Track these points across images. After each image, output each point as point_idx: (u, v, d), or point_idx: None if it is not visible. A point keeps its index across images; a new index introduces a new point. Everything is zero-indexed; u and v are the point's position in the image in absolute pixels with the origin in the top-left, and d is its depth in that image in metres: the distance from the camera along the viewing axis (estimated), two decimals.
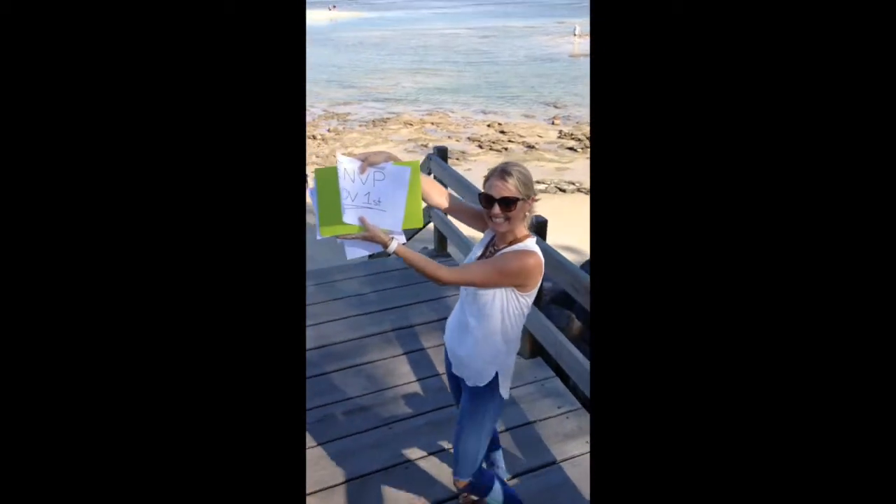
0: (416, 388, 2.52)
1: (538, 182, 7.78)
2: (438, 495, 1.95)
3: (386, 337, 2.90)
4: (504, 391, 1.56)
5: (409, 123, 11.54)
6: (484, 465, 1.69)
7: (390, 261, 3.61)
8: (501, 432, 2.20)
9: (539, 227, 2.42)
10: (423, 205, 1.41)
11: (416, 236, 4.02)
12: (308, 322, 3.02)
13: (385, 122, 11.69)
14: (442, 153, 3.62)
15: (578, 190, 7.73)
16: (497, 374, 1.52)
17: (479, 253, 1.52)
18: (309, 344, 2.82)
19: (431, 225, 3.90)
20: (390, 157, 1.34)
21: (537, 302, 2.33)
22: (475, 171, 8.23)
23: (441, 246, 3.95)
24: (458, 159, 9.04)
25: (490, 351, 1.49)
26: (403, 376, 2.59)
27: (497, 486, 1.68)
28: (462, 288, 1.51)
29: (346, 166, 1.32)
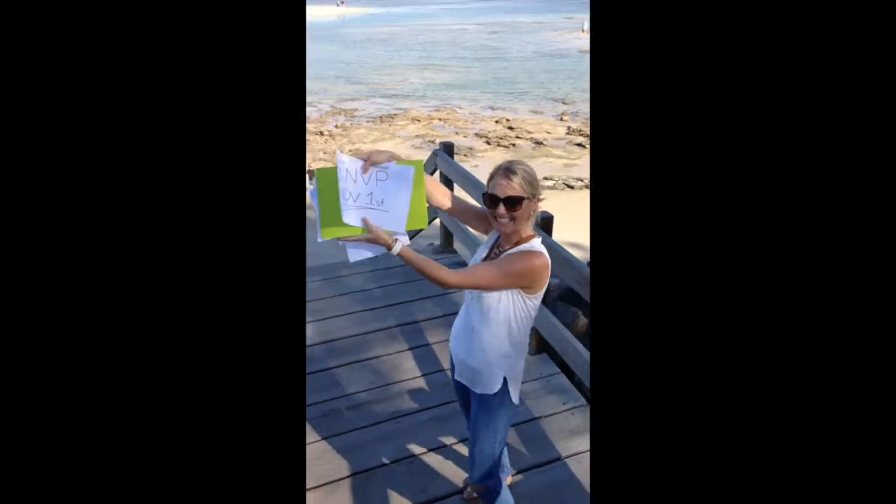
0: (420, 383, 2.52)
1: (546, 178, 7.75)
2: (443, 490, 1.95)
3: (391, 332, 2.90)
4: (514, 397, 1.51)
5: (416, 119, 11.53)
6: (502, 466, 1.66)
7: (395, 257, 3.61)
8: None
9: (545, 224, 2.41)
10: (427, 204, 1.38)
11: (423, 232, 4.01)
12: (313, 317, 3.03)
13: (392, 118, 11.69)
14: (448, 149, 3.61)
15: (586, 186, 7.69)
16: (506, 380, 1.47)
17: (483, 254, 1.48)
18: (314, 339, 2.84)
19: (437, 221, 3.90)
20: (393, 157, 1.30)
21: (544, 299, 2.32)
22: (483, 167, 8.21)
23: (447, 242, 3.94)
24: (465, 155, 9.02)
25: (497, 356, 1.45)
26: (408, 372, 2.59)
27: (506, 496, 1.64)
28: (467, 291, 1.47)
29: (348, 166, 1.27)
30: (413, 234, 1.38)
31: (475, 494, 1.90)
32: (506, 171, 1.33)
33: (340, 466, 2.04)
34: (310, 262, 3.62)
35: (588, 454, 2.10)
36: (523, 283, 1.35)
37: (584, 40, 23.55)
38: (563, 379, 2.55)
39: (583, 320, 3.02)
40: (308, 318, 3.02)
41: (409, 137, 10.29)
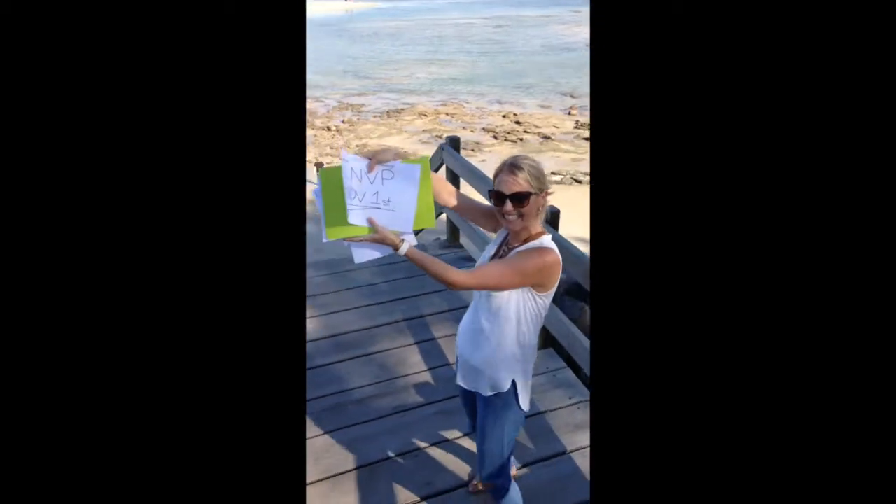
0: (426, 377, 2.53)
1: (554, 173, 7.71)
2: (448, 483, 1.96)
3: (397, 327, 2.91)
4: (524, 402, 1.45)
5: (423, 114, 11.51)
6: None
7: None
8: None
9: (552, 218, 2.40)
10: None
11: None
12: (320, 312, 3.05)
13: (399, 112, 11.68)
14: (454, 143, 3.60)
15: None
16: (514, 383, 1.42)
17: (491, 253, 1.43)
18: (320, 333, 2.85)
19: (443, 216, 3.90)
20: (399, 155, 1.27)
21: None
22: (490, 162, 8.19)
23: (453, 237, 3.94)
24: (472, 150, 8.99)
25: (505, 356, 1.40)
26: (414, 366, 2.60)
27: (515, 493, 1.61)
28: (475, 290, 1.42)
29: (353, 165, 1.24)
30: (418, 230, 1.35)
31: (480, 488, 1.91)
32: (511, 166, 1.29)
33: (346, 459, 2.05)
34: (316, 257, 3.64)
35: None
36: (534, 281, 1.31)
37: None
38: (569, 373, 2.55)
39: (589, 315, 3.01)
40: (315, 313, 3.04)
41: (416, 132, 10.28)
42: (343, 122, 10.97)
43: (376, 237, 1.25)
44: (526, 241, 1.35)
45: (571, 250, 2.16)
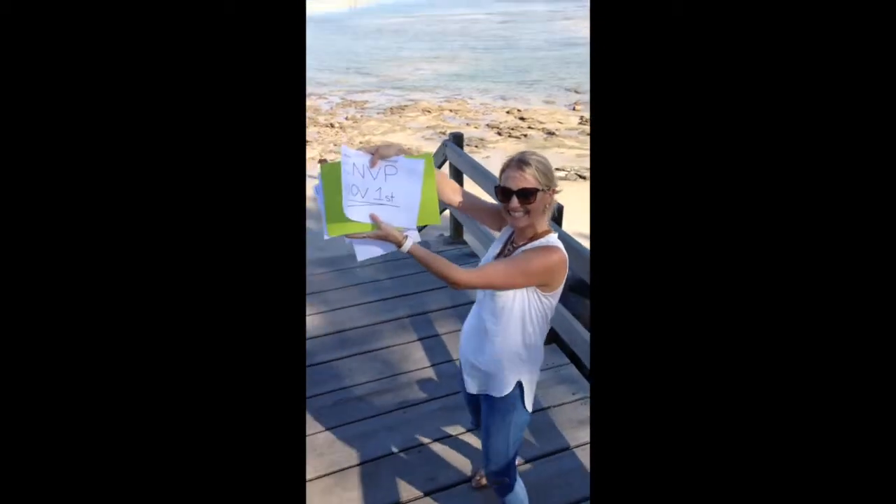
0: (430, 373, 2.53)
1: (558, 169, 7.68)
2: (451, 478, 1.96)
3: (401, 323, 2.91)
4: (528, 404, 1.43)
5: (427, 111, 11.49)
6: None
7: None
8: None
9: (556, 213, 2.39)
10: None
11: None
12: (324, 308, 3.06)
13: (403, 109, 11.66)
14: (458, 140, 3.59)
15: None
16: (519, 384, 1.40)
17: (496, 251, 1.40)
18: (324, 330, 2.86)
19: (447, 212, 3.89)
20: (402, 150, 1.25)
21: None
22: (494, 158, 8.17)
23: (457, 233, 3.94)
24: (476, 146, 8.97)
25: (510, 358, 1.37)
26: (418, 362, 2.61)
27: (520, 490, 1.59)
28: (479, 290, 1.40)
29: (356, 161, 1.22)
30: (422, 227, 1.34)
31: (483, 483, 1.92)
32: (518, 162, 1.26)
33: (350, 455, 2.06)
34: (320, 254, 3.65)
35: None
36: (540, 281, 1.28)
37: None
38: (573, 369, 2.54)
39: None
40: (319, 309, 3.05)
41: (420, 129, 10.26)
42: (346, 118, 10.97)
43: (379, 234, 1.23)
44: (532, 239, 1.32)
45: (575, 246, 2.15)
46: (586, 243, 2.29)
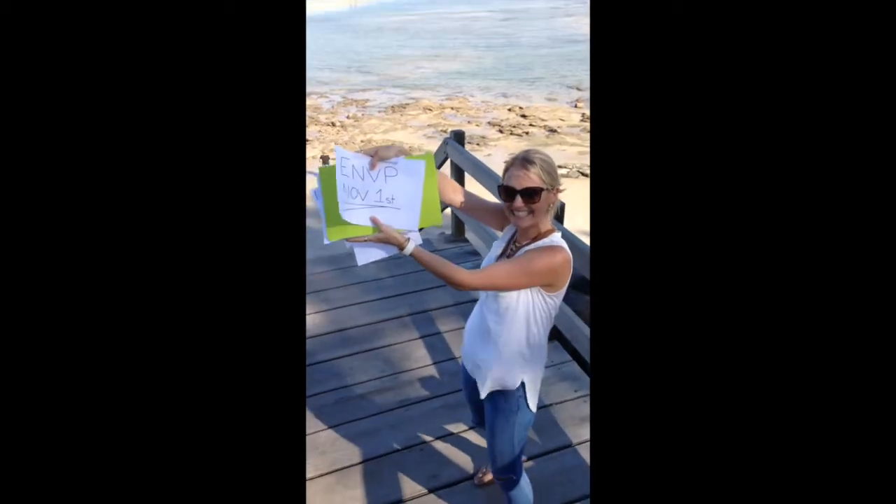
0: (431, 371, 2.54)
1: (560, 166, 7.67)
2: (454, 476, 1.96)
3: (402, 321, 2.91)
4: (532, 404, 1.41)
5: (428, 109, 11.49)
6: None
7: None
8: None
9: (558, 211, 2.39)
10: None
11: None
12: (325, 307, 3.06)
13: (404, 107, 11.66)
14: (459, 138, 3.58)
15: None
16: (522, 384, 1.38)
17: (498, 251, 1.39)
18: (326, 328, 2.86)
19: (448, 210, 3.89)
20: (402, 151, 1.22)
21: None
22: (495, 156, 8.17)
23: (458, 231, 3.93)
24: (478, 144, 8.97)
25: (514, 358, 1.35)
26: (419, 360, 2.61)
27: (525, 485, 1.58)
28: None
29: (355, 162, 1.19)
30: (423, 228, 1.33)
31: (486, 480, 1.92)
32: (523, 161, 1.24)
33: (352, 453, 2.07)
34: (321, 252, 3.65)
35: None
36: (544, 281, 1.26)
37: None
38: (575, 367, 2.54)
39: None
40: (320, 308, 3.05)
41: (421, 127, 10.25)
42: (348, 117, 10.97)
43: (381, 237, 1.21)
44: (535, 238, 1.30)
45: (577, 244, 2.15)
46: (587, 240, 2.29)
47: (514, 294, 1.29)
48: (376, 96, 12.86)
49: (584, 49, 18.01)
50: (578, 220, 3.54)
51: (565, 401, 2.32)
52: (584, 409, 2.28)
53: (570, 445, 2.09)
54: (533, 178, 1.22)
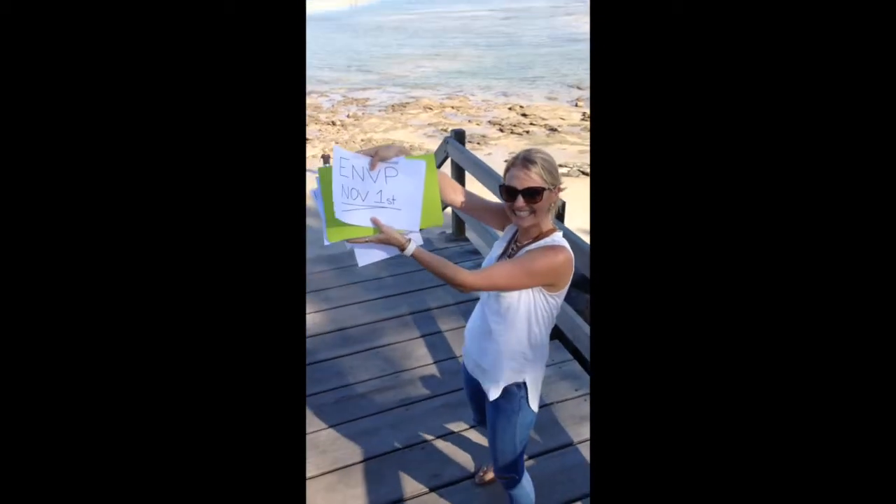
0: (432, 370, 2.54)
1: (561, 165, 7.67)
2: (455, 475, 1.97)
3: (403, 320, 2.91)
4: (534, 403, 1.41)
5: (428, 108, 11.49)
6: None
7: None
8: None
9: (558, 210, 2.39)
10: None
11: None
12: (326, 306, 3.06)
13: (404, 106, 11.65)
14: (459, 136, 3.58)
15: None
16: (525, 384, 1.38)
17: (499, 251, 1.38)
18: (327, 327, 2.86)
19: (449, 209, 3.89)
20: (402, 151, 1.21)
21: None
22: (496, 155, 8.17)
23: (459, 230, 3.93)
24: (478, 143, 8.97)
25: (516, 359, 1.35)
26: (420, 359, 2.61)
27: (527, 483, 1.58)
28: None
29: (354, 163, 1.18)
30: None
31: (487, 479, 1.92)
32: (524, 160, 1.22)
33: (353, 452, 2.07)
34: (321, 251, 3.65)
35: None
36: (546, 281, 1.25)
37: None
38: (576, 365, 2.54)
39: None
40: (320, 307, 3.05)
41: (422, 126, 10.25)
42: (348, 116, 10.97)
43: (381, 238, 1.20)
44: (536, 238, 1.29)
45: (577, 242, 2.15)
46: (588, 239, 2.29)
47: (515, 294, 1.28)
48: (376, 95, 12.86)
49: (585, 48, 17.99)
50: (579, 219, 3.54)
51: (566, 400, 2.32)
52: (585, 407, 2.28)
53: (570, 444, 2.09)
54: (534, 177, 1.22)
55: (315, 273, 3.41)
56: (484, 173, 3.09)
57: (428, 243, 3.77)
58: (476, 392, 1.53)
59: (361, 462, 2.02)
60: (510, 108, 11.11)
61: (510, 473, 1.52)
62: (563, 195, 1.32)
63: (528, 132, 9.63)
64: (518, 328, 1.32)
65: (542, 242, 1.28)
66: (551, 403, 2.29)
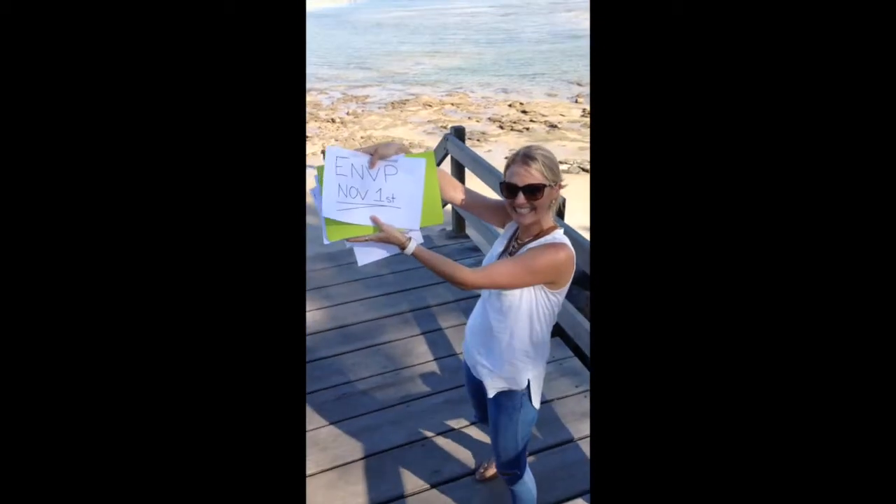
0: (433, 367, 2.54)
1: (561, 162, 7.62)
2: (456, 471, 1.97)
3: (403, 317, 2.92)
4: (535, 401, 1.41)
5: (428, 105, 11.46)
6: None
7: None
8: None
9: (559, 207, 2.38)
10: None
11: None
12: (326, 303, 3.06)
13: (404, 103, 11.63)
14: (459, 133, 3.57)
15: None
16: (527, 382, 1.37)
17: (500, 249, 1.37)
18: (327, 325, 2.87)
19: (449, 206, 3.89)
20: (402, 149, 1.21)
21: None
22: (496, 152, 8.15)
23: (459, 227, 3.93)
24: (478, 140, 8.95)
25: (518, 357, 1.35)
26: (421, 356, 2.61)
27: (528, 480, 1.58)
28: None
29: (353, 161, 1.17)
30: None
31: (487, 476, 1.92)
32: (524, 157, 1.22)
33: (354, 449, 2.07)
34: (322, 249, 3.65)
35: None
36: (547, 278, 1.25)
37: None
38: (576, 362, 2.54)
39: None
40: (321, 305, 3.06)
41: (422, 123, 10.23)
42: (347, 113, 10.95)
43: (381, 236, 1.20)
44: (537, 235, 1.29)
45: (578, 239, 2.15)
46: (589, 236, 2.28)
47: (516, 292, 1.27)
48: (376, 92, 12.83)
49: (585, 45, 17.93)
50: (579, 215, 3.53)
51: (566, 396, 2.32)
52: (586, 404, 2.28)
53: (571, 441, 2.10)
54: (535, 174, 1.21)
55: (315, 270, 3.41)
56: (484, 170, 3.08)
57: (428, 241, 3.77)
58: (477, 389, 1.53)
59: (362, 459, 2.03)
60: (510, 105, 11.09)
61: (513, 470, 1.52)
62: (563, 192, 1.31)
63: (528, 129, 9.62)
64: (519, 326, 1.31)
65: (543, 240, 1.27)
66: (552, 400, 2.29)
